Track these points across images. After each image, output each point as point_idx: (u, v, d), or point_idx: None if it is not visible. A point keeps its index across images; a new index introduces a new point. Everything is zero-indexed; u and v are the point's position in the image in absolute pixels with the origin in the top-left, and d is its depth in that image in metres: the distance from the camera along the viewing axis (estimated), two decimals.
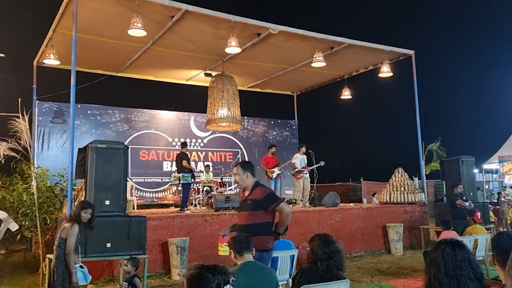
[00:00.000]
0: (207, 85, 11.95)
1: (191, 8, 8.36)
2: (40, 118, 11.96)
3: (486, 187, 19.45)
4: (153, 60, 11.46)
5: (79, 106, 12.18)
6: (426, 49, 26.99)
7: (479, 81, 32.55)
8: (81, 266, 4.87)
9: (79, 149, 6.71)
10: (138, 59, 11.33)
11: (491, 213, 12.99)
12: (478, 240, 6.66)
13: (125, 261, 5.35)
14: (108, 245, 6.07)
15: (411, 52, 11.47)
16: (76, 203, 5.19)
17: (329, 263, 3.25)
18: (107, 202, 6.31)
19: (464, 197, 9.33)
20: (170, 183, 13.15)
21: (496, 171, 22.29)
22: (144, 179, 13.32)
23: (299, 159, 11.06)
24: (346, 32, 10.59)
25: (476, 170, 16.65)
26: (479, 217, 7.83)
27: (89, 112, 12.78)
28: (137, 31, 8.03)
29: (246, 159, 15.21)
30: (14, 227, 5.25)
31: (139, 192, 12.99)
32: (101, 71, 12.24)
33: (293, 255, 5.41)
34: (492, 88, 31.83)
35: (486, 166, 21.33)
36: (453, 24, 34.94)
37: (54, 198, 7.81)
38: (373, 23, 31.14)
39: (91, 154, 6.35)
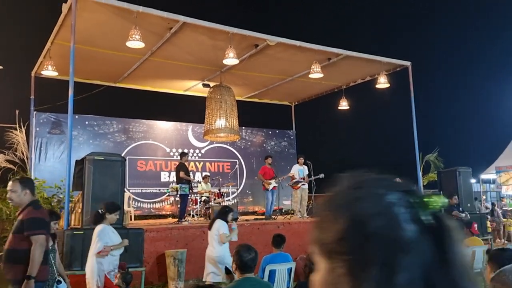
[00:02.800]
0: (205, 95, 11.98)
1: (189, 20, 8.42)
2: (37, 129, 11.94)
3: (484, 197, 19.46)
4: (151, 70, 11.50)
5: (76, 116, 12.16)
6: (423, 60, 27.18)
7: (476, 92, 32.73)
8: (58, 281, 4.58)
9: (76, 161, 6.71)
10: (136, 70, 11.36)
11: (488, 224, 13.01)
12: (476, 252, 6.65)
13: (116, 276, 5.11)
14: None
15: (408, 63, 11.54)
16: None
17: None
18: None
19: (461, 208, 9.34)
20: (167, 194, 13.11)
21: (494, 181, 22.33)
22: (142, 189, 13.28)
23: (298, 170, 11.07)
24: (343, 43, 10.67)
25: (473, 180, 16.70)
26: (476, 228, 7.83)
27: (86, 122, 12.78)
28: (135, 43, 8.07)
29: (244, 170, 15.22)
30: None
31: (136, 203, 12.94)
32: (99, 81, 12.28)
33: (291, 268, 5.39)
34: (489, 98, 32.00)
35: (483, 176, 21.36)
36: (451, 36, 35.22)
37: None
38: (371, 34, 31.35)
39: (88, 166, 6.35)
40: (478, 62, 33.87)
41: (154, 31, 8.83)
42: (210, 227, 6.30)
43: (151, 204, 13.28)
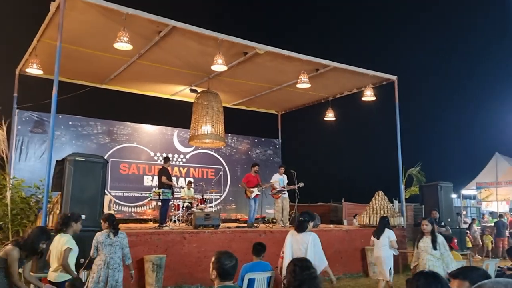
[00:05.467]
0: (192, 100, 11.94)
1: (178, 24, 8.39)
2: (19, 127, 11.73)
3: (464, 212, 19.72)
4: (139, 73, 11.43)
5: (60, 116, 12.01)
6: (409, 75, 27.55)
7: (460, 109, 33.30)
8: None
9: (57, 161, 6.59)
10: (123, 72, 11.27)
11: (467, 239, 13.16)
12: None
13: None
14: (82, 261, 5.90)
15: (394, 77, 11.68)
16: (34, 231, 4.69)
17: None
18: (83, 217, 6.16)
19: (443, 223, 9.43)
20: (149, 198, 12.98)
21: (474, 197, 22.67)
22: (124, 193, 13.12)
23: (278, 179, 11.07)
24: (331, 55, 10.76)
25: (454, 195, 16.92)
26: (456, 243, 7.89)
27: (70, 123, 12.60)
28: (123, 45, 8.01)
29: (229, 177, 15.16)
30: None
31: (117, 206, 12.76)
32: (85, 82, 12.15)
33: (270, 277, 5.34)
34: (473, 116, 32.59)
35: (464, 191, 21.66)
36: (436, 51, 35.85)
37: (29, 210, 7.64)
38: (359, 47, 31.74)
39: (69, 167, 6.25)
40: (464, 81, 34.52)
41: (143, 34, 8.78)
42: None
43: (133, 208, 13.12)
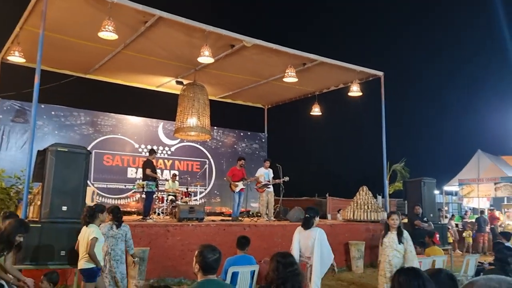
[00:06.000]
0: (178, 92, 11.83)
1: (165, 14, 8.27)
2: (0, 116, 11.50)
3: (446, 208, 20.02)
4: (124, 64, 11.25)
5: (42, 106, 11.79)
6: (396, 71, 27.74)
7: (445, 106, 33.74)
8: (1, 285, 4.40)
9: (38, 151, 6.46)
10: (108, 62, 11.09)
11: (449, 235, 13.37)
12: (436, 262, 6.78)
13: (41, 277, 4.93)
14: (63, 253, 5.82)
15: (381, 73, 11.72)
16: (13, 223, 4.58)
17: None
18: (65, 208, 6.08)
19: (425, 218, 9.53)
20: (133, 190, 12.85)
21: (456, 193, 23.04)
22: (107, 184, 12.97)
23: (263, 173, 11.06)
24: (318, 50, 10.73)
25: (437, 192, 17.15)
26: (437, 238, 7.99)
27: (53, 113, 12.38)
28: (108, 34, 7.86)
29: (214, 170, 15.10)
30: None
31: (100, 198, 12.63)
32: (69, 71, 11.93)
33: (254, 271, 5.33)
34: (457, 114, 33.04)
35: (446, 188, 21.99)
36: (424, 49, 36.20)
37: (9, 201, 7.50)
38: (346, 42, 31.80)
39: (50, 157, 6.12)
40: (449, 79, 34.95)
41: (129, 24, 8.63)
42: None
43: (116, 200, 12.97)
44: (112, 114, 13.60)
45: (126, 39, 9.39)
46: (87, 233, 5.26)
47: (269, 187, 10.99)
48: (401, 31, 34.91)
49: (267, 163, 11.25)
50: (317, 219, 5.46)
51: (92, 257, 5.14)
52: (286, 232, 9.71)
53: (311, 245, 5.24)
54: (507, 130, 24.98)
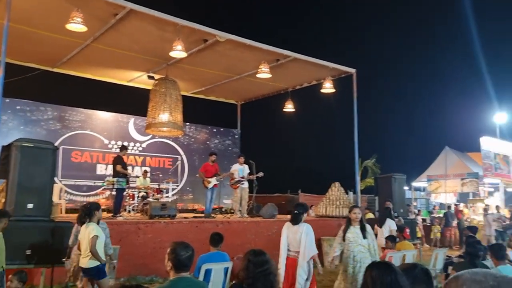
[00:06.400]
0: (150, 88, 11.61)
1: (136, 7, 8.07)
2: None
3: (415, 203, 20.52)
4: (93, 57, 10.94)
5: (7, 100, 11.32)
6: (368, 69, 28.25)
7: (414, 104, 34.55)
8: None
9: (2, 146, 6.22)
10: (77, 55, 10.76)
11: (418, 229, 13.69)
12: (406, 256, 6.90)
13: (10, 276, 4.87)
14: (28, 252, 5.61)
15: (353, 70, 11.83)
16: None
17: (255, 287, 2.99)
18: (30, 206, 5.86)
19: (395, 213, 9.70)
20: (103, 187, 12.56)
21: (424, 189, 23.65)
22: (76, 181, 12.63)
23: (238, 169, 11.00)
24: (292, 46, 10.73)
25: (406, 187, 17.54)
26: (408, 233, 8.15)
27: (18, 107, 11.94)
28: (76, 26, 7.65)
29: (186, 166, 14.94)
30: None
31: (68, 196, 12.28)
32: (35, 64, 11.51)
33: (227, 268, 5.28)
34: (426, 111, 33.89)
35: (415, 183, 22.53)
36: (396, 48, 36.92)
37: None
38: (319, 39, 32.09)
39: (15, 153, 5.89)
40: (419, 79, 35.79)
41: (98, 16, 8.38)
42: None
43: (85, 198, 12.65)
44: (81, 109, 13.23)
45: (96, 32, 9.13)
46: (87, 232, 5.28)
47: (243, 183, 10.94)
48: (375, 30, 35.52)
49: (242, 159, 11.19)
50: (305, 215, 5.61)
51: (94, 254, 5.20)
52: (259, 229, 9.71)
53: (299, 240, 5.39)
54: (473, 128, 25.80)
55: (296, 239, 5.42)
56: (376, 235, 7.72)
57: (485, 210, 15.01)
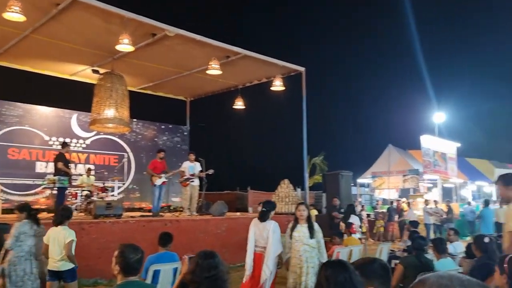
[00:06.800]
0: (94, 82, 11.15)
1: None
2: None
3: (360, 199, 21.22)
4: (33, 49, 10.33)
5: None
6: (317, 68, 28.78)
7: (360, 103, 35.72)
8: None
9: None
10: (14, 47, 10.11)
11: (362, 225, 14.15)
12: (353, 251, 7.09)
13: None
14: None
15: (302, 69, 11.99)
16: None
17: None
18: None
19: (342, 210, 9.95)
20: (43, 186, 11.93)
21: (368, 185, 24.53)
22: (13, 180, 11.90)
23: (188, 167, 10.82)
24: (243, 44, 10.71)
25: (352, 184, 18.10)
26: (354, 229, 8.38)
27: None
28: (14, 15, 7.20)
29: (133, 164, 14.52)
30: None
31: (5, 195, 11.56)
32: None
33: (176, 268, 5.16)
34: (370, 110, 35.13)
35: (360, 180, 23.29)
36: (343, 48, 37.95)
37: None
38: (269, 37, 32.32)
39: None
40: (364, 79, 37.00)
41: (38, 5, 7.93)
42: None
43: (23, 197, 11.94)
44: (18, 103, 12.48)
45: (36, 22, 8.62)
46: (61, 235, 5.26)
47: (193, 181, 10.78)
48: (323, 30, 36.29)
49: (192, 156, 11.02)
50: (272, 212, 5.73)
51: (71, 258, 5.25)
52: (209, 227, 9.62)
53: (266, 236, 5.52)
54: (414, 127, 27.06)
55: (263, 236, 5.54)
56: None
57: (426, 203, 15.78)
